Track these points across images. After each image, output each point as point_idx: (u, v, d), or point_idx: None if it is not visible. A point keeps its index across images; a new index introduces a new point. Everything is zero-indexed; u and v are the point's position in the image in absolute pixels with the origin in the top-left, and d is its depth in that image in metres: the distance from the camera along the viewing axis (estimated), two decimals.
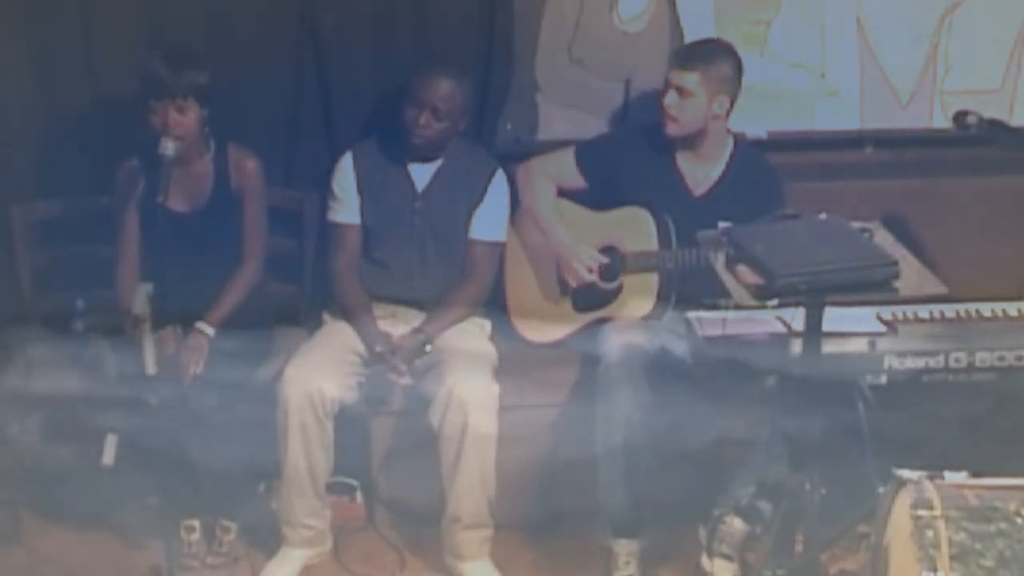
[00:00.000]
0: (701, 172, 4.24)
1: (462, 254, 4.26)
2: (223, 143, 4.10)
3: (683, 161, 4.24)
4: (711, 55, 4.14)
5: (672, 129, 4.15)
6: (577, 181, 4.33)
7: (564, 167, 4.33)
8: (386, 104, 4.30)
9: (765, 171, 4.27)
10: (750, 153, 4.31)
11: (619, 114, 4.59)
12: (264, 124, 4.41)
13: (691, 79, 4.09)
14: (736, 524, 3.93)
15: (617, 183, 4.26)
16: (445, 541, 4.03)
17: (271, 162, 4.26)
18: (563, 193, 4.35)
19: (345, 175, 4.24)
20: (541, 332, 4.37)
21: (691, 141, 4.19)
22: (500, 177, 4.27)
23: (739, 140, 4.30)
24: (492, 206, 4.25)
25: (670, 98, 4.12)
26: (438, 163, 4.23)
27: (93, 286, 4.18)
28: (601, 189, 4.30)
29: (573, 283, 4.27)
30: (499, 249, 4.31)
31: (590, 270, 4.24)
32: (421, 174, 4.24)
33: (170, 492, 3.99)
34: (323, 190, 4.30)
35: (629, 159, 4.26)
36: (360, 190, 4.23)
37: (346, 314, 4.19)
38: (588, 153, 4.33)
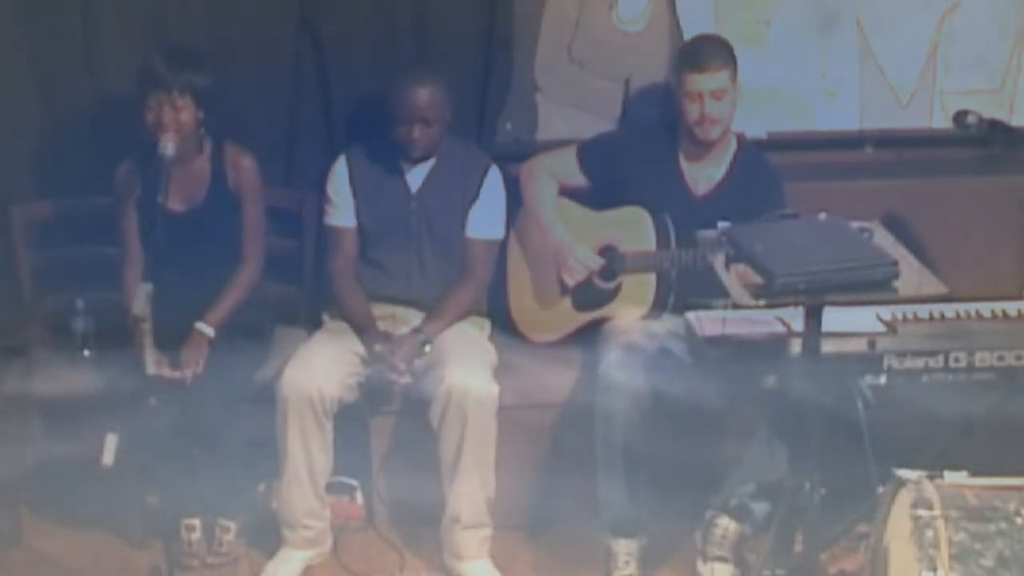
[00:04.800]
0: (704, 173, 4.23)
1: (460, 253, 4.25)
2: (219, 142, 4.10)
3: (687, 162, 4.24)
4: (723, 49, 4.13)
5: (715, 132, 4.13)
6: (578, 179, 4.32)
7: (566, 165, 4.32)
8: (385, 105, 4.29)
9: (766, 172, 4.26)
10: (752, 154, 4.30)
11: (619, 114, 4.59)
12: (264, 124, 4.41)
13: (721, 78, 4.08)
14: (727, 525, 3.93)
15: (618, 182, 4.25)
16: (445, 541, 4.03)
17: (271, 162, 4.27)
18: (564, 191, 4.34)
19: (339, 178, 4.24)
20: (541, 331, 4.36)
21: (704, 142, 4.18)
22: (494, 174, 4.26)
23: (742, 141, 4.30)
24: (487, 203, 4.25)
25: (709, 105, 4.07)
26: (431, 163, 4.23)
27: (93, 286, 4.19)
28: (602, 188, 4.29)
29: (569, 283, 4.27)
30: (496, 247, 4.31)
31: (587, 271, 4.23)
32: (415, 174, 4.23)
33: (170, 492, 3.99)
34: (322, 191, 4.30)
35: (631, 158, 4.25)
36: (355, 193, 4.23)
37: (345, 316, 4.19)
38: (590, 151, 4.32)
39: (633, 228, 4.22)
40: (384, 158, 4.23)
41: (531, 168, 4.34)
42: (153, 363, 3.61)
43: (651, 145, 4.26)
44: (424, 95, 4.09)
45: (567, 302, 4.33)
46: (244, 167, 4.11)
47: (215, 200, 4.09)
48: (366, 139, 4.28)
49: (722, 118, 4.11)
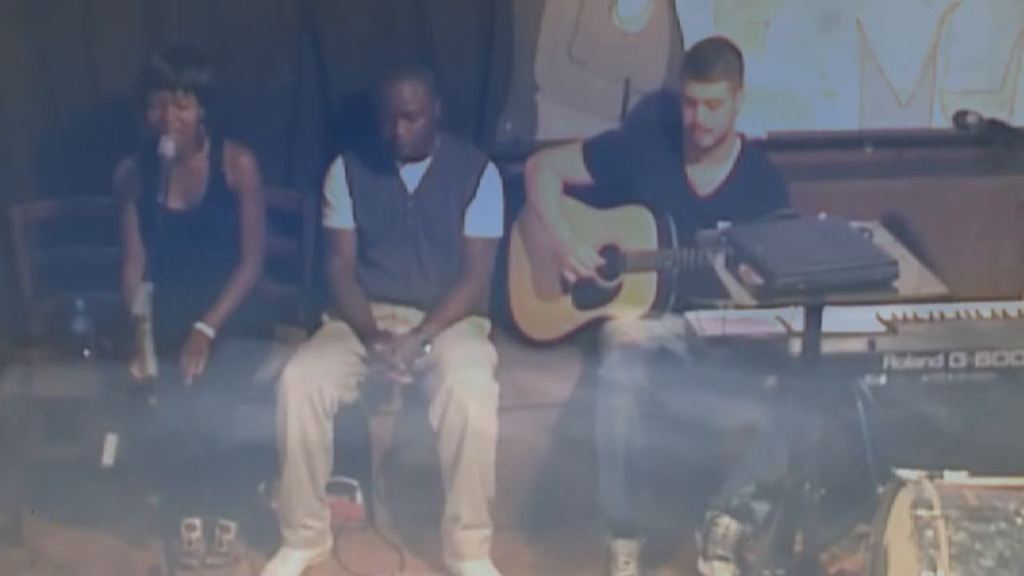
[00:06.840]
0: (708, 173, 4.23)
1: (458, 252, 4.25)
2: (218, 140, 4.11)
3: (691, 162, 4.24)
4: (726, 57, 4.11)
5: (706, 140, 4.13)
6: (583, 176, 4.31)
7: (571, 161, 4.31)
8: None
9: (770, 173, 4.26)
10: (755, 155, 4.30)
11: (619, 114, 4.59)
12: (264, 124, 4.41)
13: (718, 89, 4.07)
14: (728, 525, 3.93)
15: (622, 180, 4.25)
16: (445, 541, 4.03)
17: (271, 162, 4.27)
18: (568, 189, 4.34)
19: (336, 181, 4.24)
20: (542, 329, 4.37)
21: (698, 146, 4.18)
22: (491, 171, 4.26)
23: (745, 142, 4.29)
24: (485, 201, 4.24)
25: (702, 114, 4.07)
26: (427, 162, 4.23)
27: (93, 286, 4.19)
28: (606, 185, 4.29)
29: (571, 281, 4.27)
30: (495, 245, 4.30)
31: (589, 270, 4.24)
32: (411, 174, 4.24)
33: (170, 492, 3.99)
34: (320, 193, 4.30)
35: (636, 157, 4.26)
36: (352, 194, 4.23)
37: (345, 317, 4.19)
38: (596, 148, 4.32)
39: (635, 227, 4.22)
40: (380, 159, 4.23)
41: (535, 164, 4.34)
42: (153, 362, 3.60)
43: (656, 144, 4.26)
44: (404, 89, 4.09)
45: (568, 300, 4.34)
46: (243, 165, 4.11)
47: (214, 198, 4.09)
48: (365, 140, 4.28)
49: (715, 127, 4.11)
